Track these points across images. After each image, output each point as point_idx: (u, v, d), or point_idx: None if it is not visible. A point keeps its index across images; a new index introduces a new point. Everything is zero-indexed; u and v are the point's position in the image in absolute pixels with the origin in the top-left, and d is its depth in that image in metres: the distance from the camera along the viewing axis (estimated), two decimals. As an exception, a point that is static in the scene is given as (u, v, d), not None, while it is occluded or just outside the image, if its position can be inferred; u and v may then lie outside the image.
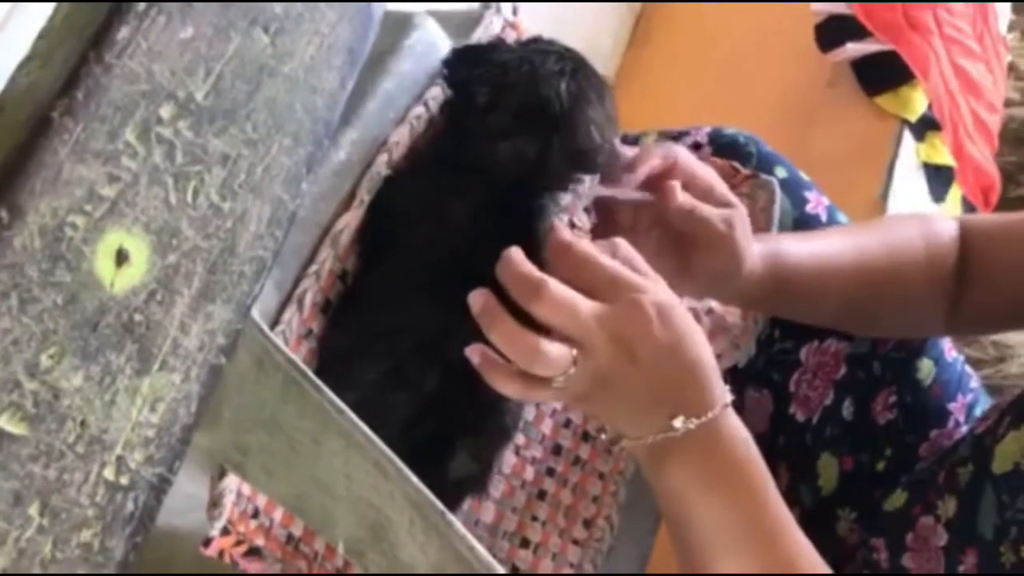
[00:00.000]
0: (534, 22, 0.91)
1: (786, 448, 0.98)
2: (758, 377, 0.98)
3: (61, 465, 0.37)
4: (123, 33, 0.38)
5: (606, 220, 0.82)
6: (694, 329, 0.63)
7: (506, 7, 0.88)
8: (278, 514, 0.70)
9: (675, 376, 0.62)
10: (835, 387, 0.96)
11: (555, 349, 0.61)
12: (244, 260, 0.42)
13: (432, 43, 0.80)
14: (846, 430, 0.95)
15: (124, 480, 0.38)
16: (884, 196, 1.25)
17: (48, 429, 0.36)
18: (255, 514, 0.70)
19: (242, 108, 0.42)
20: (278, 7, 0.43)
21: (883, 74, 1.30)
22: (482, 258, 0.63)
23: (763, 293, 0.80)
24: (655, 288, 0.63)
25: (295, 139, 0.44)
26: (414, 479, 0.53)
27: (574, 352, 0.61)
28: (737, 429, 0.64)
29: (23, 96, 0.39)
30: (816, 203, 0.99)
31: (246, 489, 0.68)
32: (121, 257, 0.38)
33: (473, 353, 0.63)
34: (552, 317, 0.61)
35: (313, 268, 0.71)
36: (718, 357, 0.93)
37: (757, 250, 0.78)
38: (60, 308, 0.37)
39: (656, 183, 0.76)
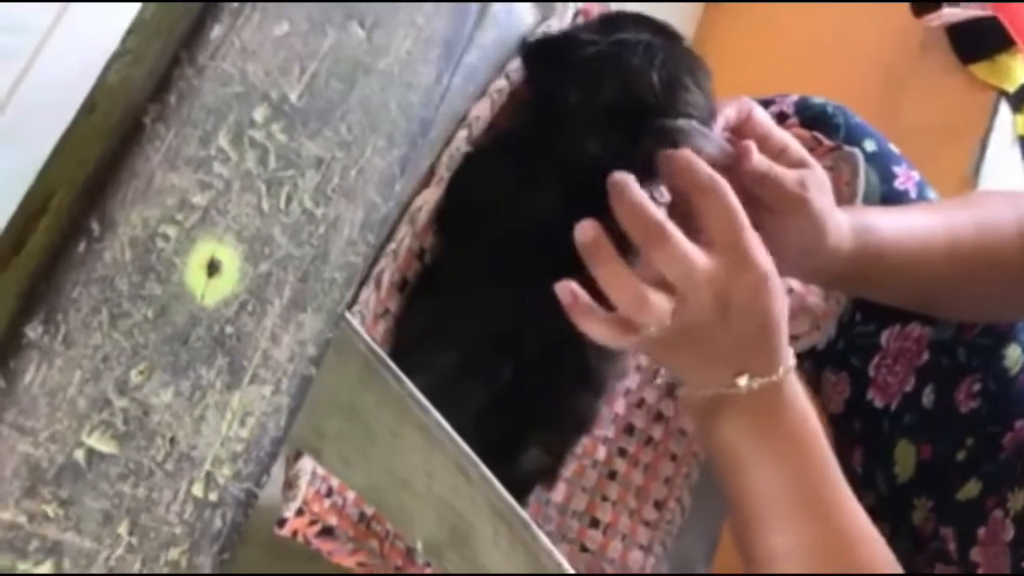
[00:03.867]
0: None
1: (862, 433, 0.95)
2: (837, 359, 0.95)
3: (150, 483, 0.36)
4: (216, 32, 0.37)
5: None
6: (782, 296, 0.63)
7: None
8: (351, 493, 0.69)
9: (753, 337, 0.62)
10: (916, 373, 0.93)
11: (660, 300, 0.60)
12: (336, 267, 0.41)
13: (515, 11, 0.77)
14: (926, 418, 0.92)
15: (212, 496, 0.37)
16: (976, 172, 1.20)
17: (138, 447, 0.35)
18: (328, 493, 0.69)
19: (337, 108, 0.40)
20: (374, -2, 0.41)
21: (980, 41, 1.23)
22: (564, 247, 0.61)
23: (850, 270, 0.76)
24: (760, 247, 0.62)
25: (389, 140, 0.42)
26: (497, 485, 0.51)
27: (675, 300, 0.60)
28: (796, 395, 0.64)
29: (114, 95, 0.37)
30: (905, 178, 0.95)
31: (320, 469, 0.67)
32: (212, 268, 0.37)
33: (563, 291, 0.62)
34: (667, 266, 0.60)
35: (391, 246, 0.69)
36: (797, 338, 0.92)
37: (845, 222, 0.74)
38: (150, 322, 0.36)
39: (730, 141, 0.72)
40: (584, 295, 0.61)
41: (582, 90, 0.64)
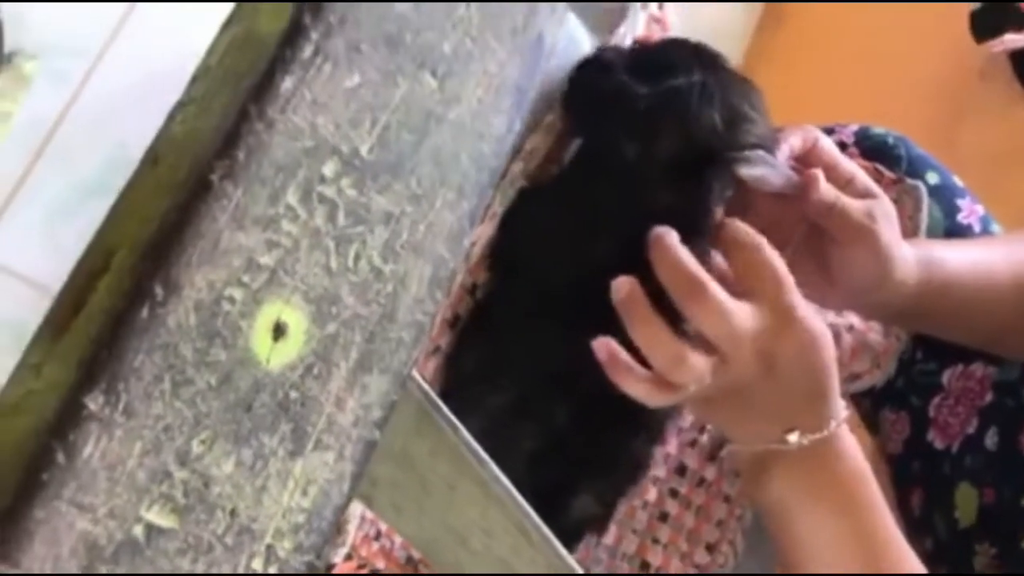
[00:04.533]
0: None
1: (921, 474, 0.92)
2: (896, 398, 0.93)
3: (210, 559, 0.34)
4: (287, 84, 0.35)
5: (744, 209, 0.77)
6: (831, 350, 0.61)
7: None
8: (399, 536, 0.68)
9: (804, 397, 0.61)
10: (979, 414, 0.90)
11: (699, 361, 0.58)
12: (403, 326, 0.39)
13: (574, 40, 0.76)
14: (989, 461, 0.89)
15: (272, 570, 0.35)
16: (1038, 202, 1.16)
17: (197, 520, 0.34)
18: (377, 536, 0.68)
19: (407, 161, 0.38)
20: (447, 46, 0.39)
21: (1044, 68, 1.20)
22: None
23: (915, 304, 0.73)
24: (807, 305, 0.60)
25: (459, 192, 0.40)
26: (557, 545, 0.49)
27: (716, 359, 0.59)
28: (847, 447, 0.62)
29: (180, 148, 0.36)
30: (969, 212, 0.93)
31: (368, 512, 0.66)
32: (279, 331, 0.35)
33: (600, 348, 0.60)
34: (706, 324, 0.58)
35: (444, 283, 0.67)
36: (858, 377, 0.89)
37: (912, 256, 0.71)
38: (213, 389, 0.34)
39: (795, 170, 0.69)
40: (621, 353, 0.59)
41: (641, 144, 0.61)
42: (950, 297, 0.75)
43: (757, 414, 0.62)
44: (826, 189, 0.67)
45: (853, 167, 0.71)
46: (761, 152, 0.64)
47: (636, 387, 0.60)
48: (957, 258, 0.76)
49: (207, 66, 0.37)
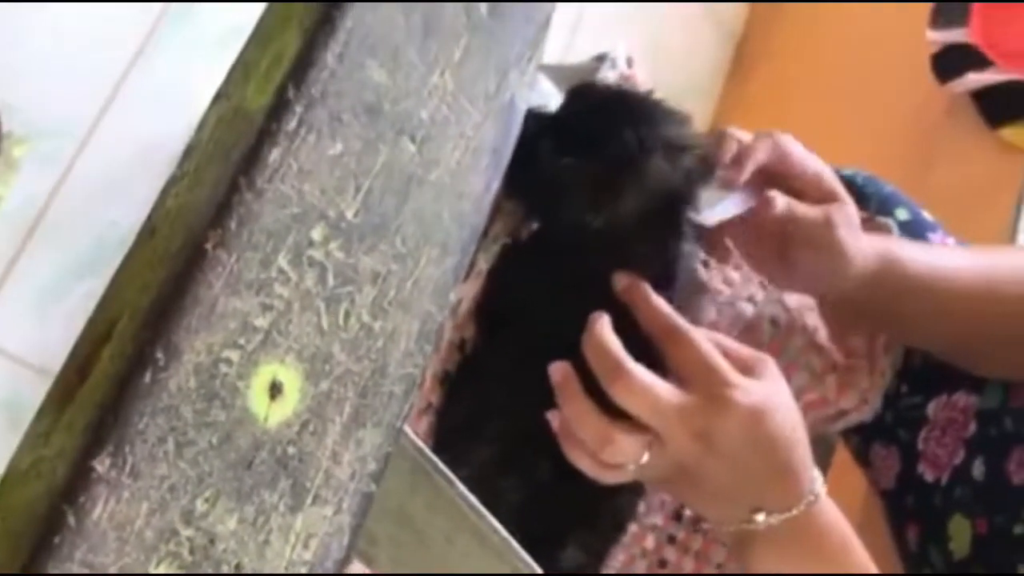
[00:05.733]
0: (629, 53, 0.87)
1: (915, 508, 0.93)
2: (885, 433, 0.94)
3: (218, 613, 0.35)
4: (274, 155, 0.37)
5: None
6: (787, 430, 0.60)
7: (621, 59, 0.86)
8: (400, 595, 0.68)
9: (760, 477, 0.60)
10: (965, 445, 0.91)
11: (627, 441, 0.58)
12: (394, 380, 0.40)
13: (545, 102, 0.78)
14: (978, 491, 0.90)
15: (278, 622, 0.36)
16: (1012, 235, 1.19)
17: (204, 576, 0.35)
18: (378, 594, 0.68)
19: (391, 222, 0.40)
20: (424, 113, 0.41)
21: (1008, 104, 1.23)
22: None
23: (874, 298, 0.75)
24: (748, 385, 0.59)
25: (443, 249, 0.42)
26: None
27: (649, 439, 0.58)
28: (827, 523, 0.61)
29: (174, 220, 0.38)
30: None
31: (368, 571, 0.66)
32: (275, 389, 0.37)
33: (553, 419, 0.61)
34: (629, 404, 0.58)
35: (433, 340, 0.69)
36: (846, 413, 0.90)
37: (871, 248, 0.73)
38: (215, 448, 0.35)
39: (760, 181, 0.71)
40: (569, 426, 0.60)
41: (603, 215, 0.63)
42: (910, 293, 0.76)
43: (716, 495, 0.61)
44: (782, 206, 0.69)
45: (818, 169, 0.73)
46: (708, 192, 0.66)
47: (581, 460, 0.60)
48: (919, 257, 0.77)
49: (198, 140, 0.39)
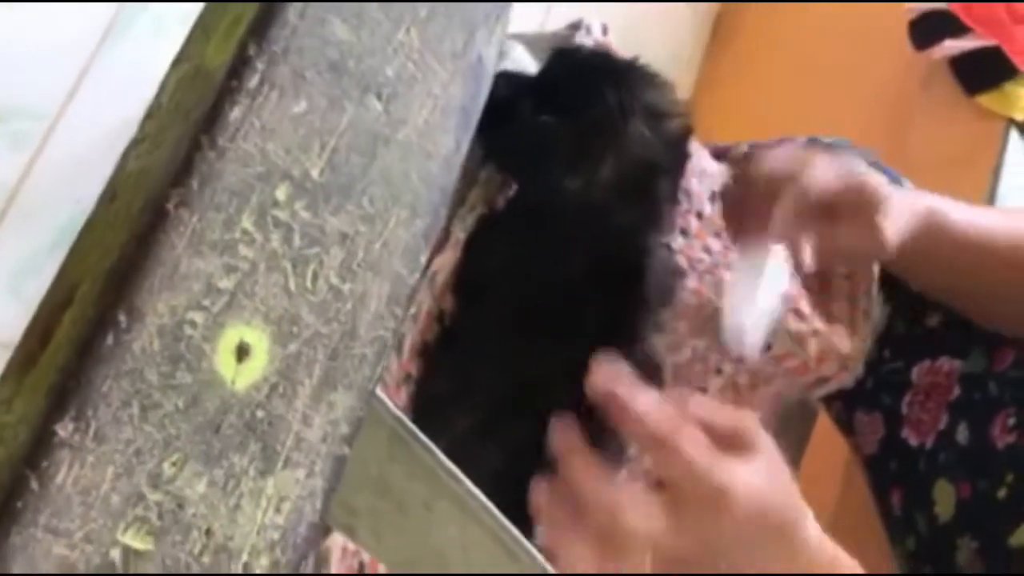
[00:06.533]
0: (609, 27, 0.87)
1: (899, 473, 0.93)
2: (868, 399, 0.94)
3: (188, 578, 0.34)
4: (235, 113, 0.36)
5: (736, 204, 0.76)
6: (779, 502, 0.56)
7: (595, 26, 0.85)
8: (382, 567, 0.68)
9: (765, 548, 0.56)
10: (949, 410, 0.91)
11: (643, 502, 0.55)
12: (365, 342, 0.40)
13: (522, 71, 0.77)
14: (962, 455, 0.90)
15: (251, 587, 0.36)
16: (991, 201, 1.19)
17: (173, 541, 0.34)
18: (360, 568, 0.68)
19: (358, 182, 0.39)
20: (389, 70, 0.41)
21: (985, 71, 1.23)
22: (580, 311, 0.60)
23: (917, 249, 0.75)
24: (736, 478, 0.55)
25: (412, 210, 0.41)
26: (539, 557, 0.50)
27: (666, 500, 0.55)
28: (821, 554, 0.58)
29: (135, 182, 0.37)
30: (919, 212, 0.94)
31: (351, 544, 0.66)
32: (242, 352, 0.36)
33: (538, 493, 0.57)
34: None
35: (411, 311, 0.68)
36: (827, 380, 0.90)
37: (911, 213, 0.73)
38: (181, 412, 0.35)
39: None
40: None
41: (582, 177, 0.62)
42: (951, 242, 0.77)
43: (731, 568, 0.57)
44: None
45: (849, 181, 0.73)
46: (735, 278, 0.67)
47: (581, 553, 0.58)
48: (958, 210, 0.78)
49: (158, 103, 0.39)
